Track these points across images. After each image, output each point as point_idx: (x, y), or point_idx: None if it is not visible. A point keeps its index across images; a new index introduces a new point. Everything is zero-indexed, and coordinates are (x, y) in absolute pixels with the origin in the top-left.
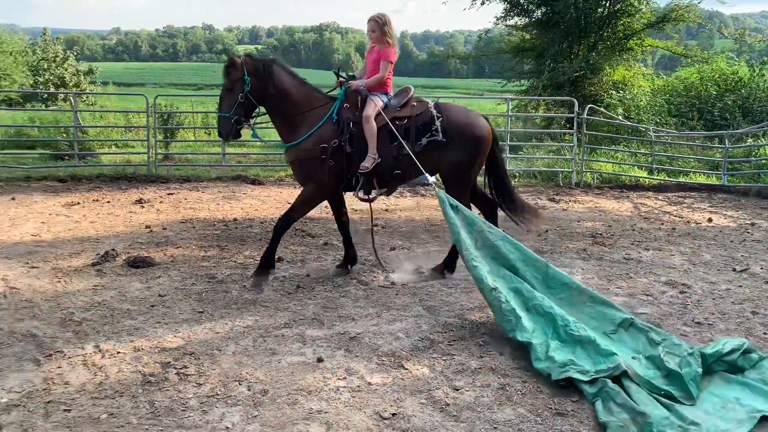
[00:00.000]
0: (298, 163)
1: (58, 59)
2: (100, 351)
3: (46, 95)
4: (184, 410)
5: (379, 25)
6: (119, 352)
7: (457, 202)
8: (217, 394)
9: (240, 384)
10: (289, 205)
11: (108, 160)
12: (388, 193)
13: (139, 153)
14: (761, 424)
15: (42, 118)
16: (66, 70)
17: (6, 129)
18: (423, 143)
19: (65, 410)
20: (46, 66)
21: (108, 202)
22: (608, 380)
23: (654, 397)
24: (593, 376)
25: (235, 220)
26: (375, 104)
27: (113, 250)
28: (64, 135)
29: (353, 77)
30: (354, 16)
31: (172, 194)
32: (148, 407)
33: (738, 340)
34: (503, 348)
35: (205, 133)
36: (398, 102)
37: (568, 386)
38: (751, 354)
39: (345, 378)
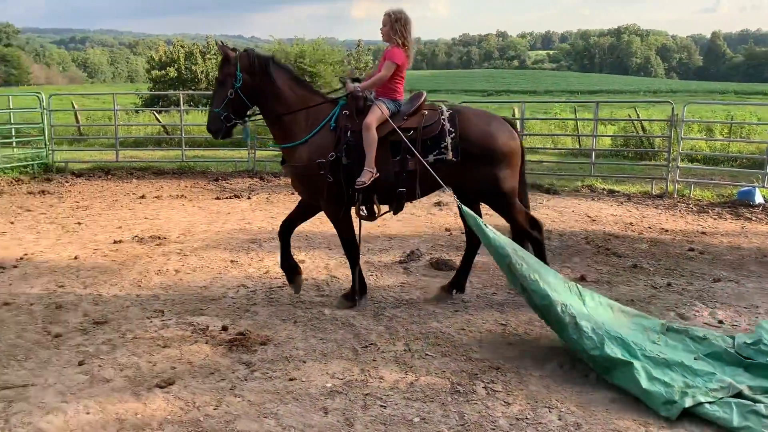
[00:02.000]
0: (300, 179)
1: (367, 68)
2: (410, 350)
3: None
4: (493, 429)
5: (391, 20)
6: (428, 354)
7: (483, 221)
8: (527, 418)
9: (550, 411)
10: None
11: None
12: (395, 212)
13: None
14: None
15: None
16: None
17: None
18: (429, 161)
19: (381, 406)
20: (357, 74)
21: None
22: (742, 400)
23: None
24: (714, 399)
25: None
26: (379, 111)
27: (417, 249)
28: None
29: (358, 81)
30: (656, 17)
31: None
32: (457, 419)
33: None
34: None
35: None
36: (407, 110)
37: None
38: None
39: (672, 429)
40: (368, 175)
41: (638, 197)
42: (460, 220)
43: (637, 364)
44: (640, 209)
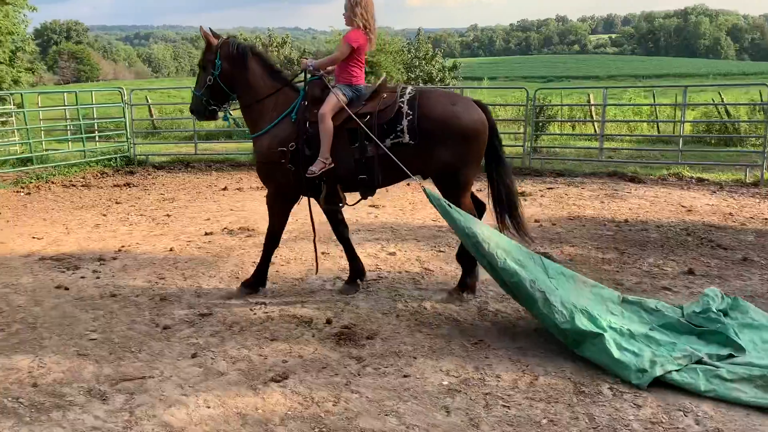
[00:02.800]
0: (258, 165)
1: (427, 57)
2: (521, 348)
3: None
4: None
5: (351, 3)
6: (542, 352)
7: (447, 201)
8: (662, 422)
9: (686, 415)
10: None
11: None
12: (364, 197)
13: (514, 146)
14: None
15: None
16: (434, 66)
17: None
18: (387, 145)
19: (504, 406)
20: (417, 63)
21: None
22: (705, 366)
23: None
24: (680, 366)
25: (626, 221)
26: (335, 99)
27: None
28: None
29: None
30: None
31: (551, 188)
32: (587, 421)
33: (716, 289)
34: None
35: (570, 126)
36: (366, 94)
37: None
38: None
39: None
40: (320, 165)
41: (731, 186)
42: (547, 211)
43: (607, 335)
44: (737, 198)
